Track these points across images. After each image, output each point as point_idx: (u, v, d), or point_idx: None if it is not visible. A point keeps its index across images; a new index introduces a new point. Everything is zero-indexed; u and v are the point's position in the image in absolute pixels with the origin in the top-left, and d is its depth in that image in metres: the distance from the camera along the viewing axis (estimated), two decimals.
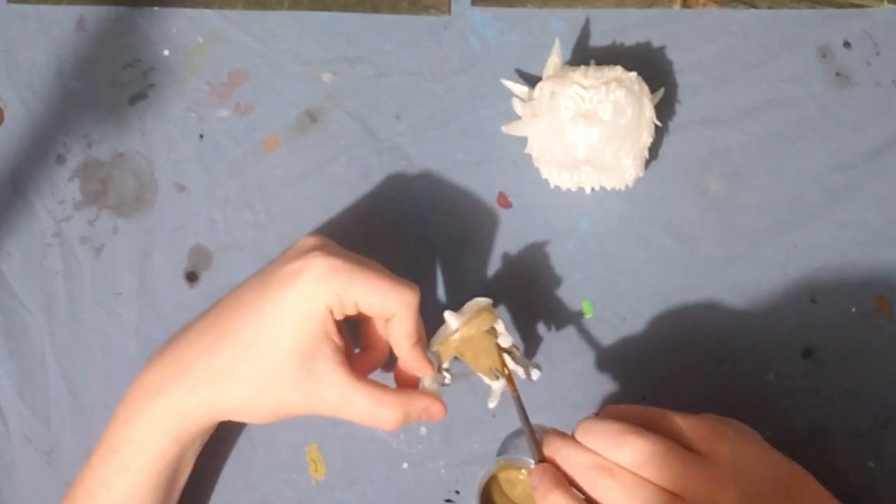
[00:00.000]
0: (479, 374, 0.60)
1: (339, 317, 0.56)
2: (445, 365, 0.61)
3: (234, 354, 0.56)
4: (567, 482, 0.52)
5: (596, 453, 0.52)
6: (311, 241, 0.58)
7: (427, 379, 0.60)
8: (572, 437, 0.53)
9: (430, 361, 0.60)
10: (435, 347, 0.60)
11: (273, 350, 0.55)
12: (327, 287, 0.55)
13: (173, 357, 0.58)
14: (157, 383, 0.57)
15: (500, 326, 0.60)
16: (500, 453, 0.64)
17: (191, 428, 0.57)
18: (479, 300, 0.61)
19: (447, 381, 0.61)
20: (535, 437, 0.56)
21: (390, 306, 0.56)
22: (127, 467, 0.57)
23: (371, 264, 0.57)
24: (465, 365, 0.61)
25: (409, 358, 0.59)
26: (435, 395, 0.60)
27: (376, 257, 0.59)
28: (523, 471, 0.60)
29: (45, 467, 0.66)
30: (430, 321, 0.60)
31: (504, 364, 0.60)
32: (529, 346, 0.67)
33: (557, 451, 0.53)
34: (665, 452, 0.51)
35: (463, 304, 0.60)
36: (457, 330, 0.59)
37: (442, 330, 0.60)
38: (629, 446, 0.51)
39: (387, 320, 0.58)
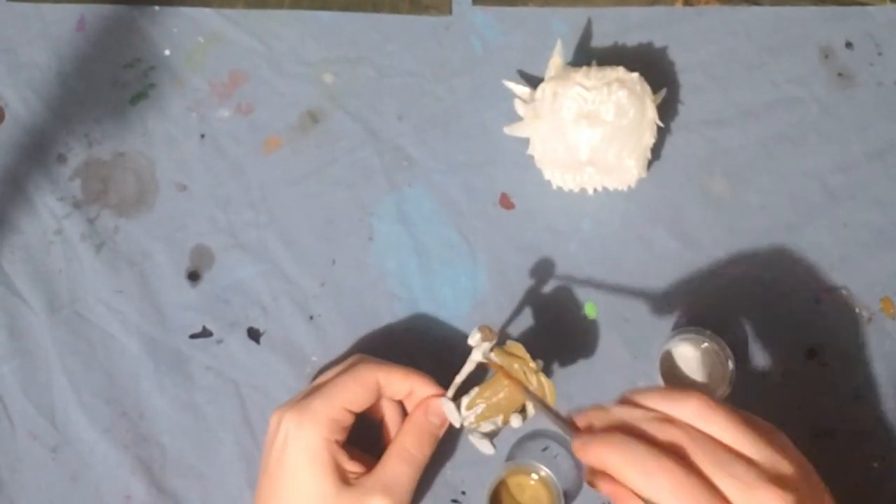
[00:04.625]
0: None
1: (342, 436, 0.59)
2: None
3: None
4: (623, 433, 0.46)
5: (653, 409, 0.47)
6: (276, 415, 0.59)
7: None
8: (617, 404, 0.49)
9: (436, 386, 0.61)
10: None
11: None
12: (312, 436, 0.57)
13: None
14: None
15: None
16: (509, 458, 0.63)
17: None
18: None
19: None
20: (565, 419, 0.51)
21: (398, 387, 0.60)
22: None
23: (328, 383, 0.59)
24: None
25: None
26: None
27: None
28: (532, 475, 0.60)
29: (50, 463, 0.66)
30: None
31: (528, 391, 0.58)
32: (532, 348, 0.66)
33: (605, 415, 0.49)
34: (727, 411, 0.47)
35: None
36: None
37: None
38: (693, 400, 0.46)
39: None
